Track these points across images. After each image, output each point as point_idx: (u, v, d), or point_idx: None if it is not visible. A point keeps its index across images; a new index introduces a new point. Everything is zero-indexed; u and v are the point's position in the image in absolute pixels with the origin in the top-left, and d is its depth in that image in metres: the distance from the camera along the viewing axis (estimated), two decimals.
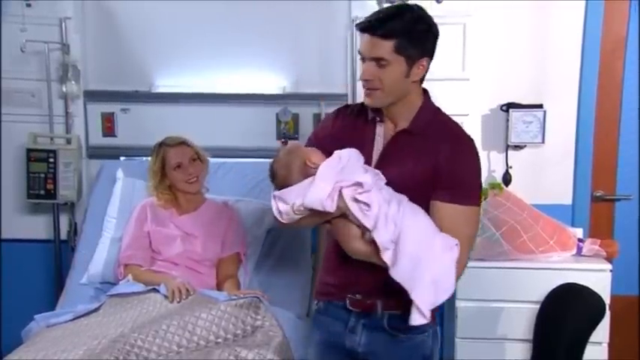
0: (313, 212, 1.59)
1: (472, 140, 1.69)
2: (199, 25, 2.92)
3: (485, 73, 2.75)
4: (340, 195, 1.57)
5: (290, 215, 1.62)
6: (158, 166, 2.52)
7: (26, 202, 2.97)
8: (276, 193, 1.66)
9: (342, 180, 1.57)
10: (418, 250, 1.51)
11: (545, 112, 2.70)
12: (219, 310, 2.09)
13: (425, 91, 1.74)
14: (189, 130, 2.63)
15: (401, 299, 1.54)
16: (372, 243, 1.56)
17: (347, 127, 1.77)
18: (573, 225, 2.74)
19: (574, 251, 2.53)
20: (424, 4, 2.53)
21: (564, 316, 2.18)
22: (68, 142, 2.93)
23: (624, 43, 2.78)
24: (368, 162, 1.67)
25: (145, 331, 1.97)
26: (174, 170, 2.50)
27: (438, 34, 1.67)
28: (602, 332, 2.30)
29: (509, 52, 2.78)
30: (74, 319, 2.19)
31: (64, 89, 2.89)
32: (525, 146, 2.78)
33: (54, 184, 2.89)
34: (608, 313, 2.23)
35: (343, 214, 1.59)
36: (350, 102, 2.89)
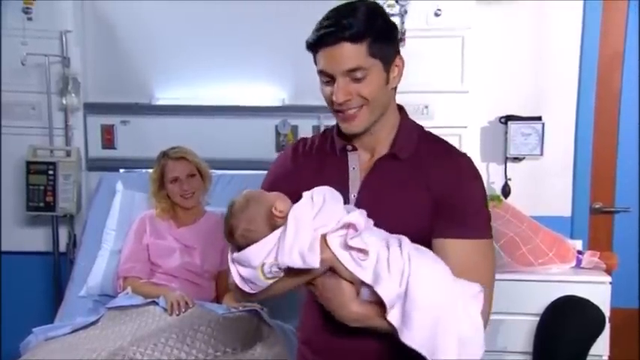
0: (290, 273, 1.23)
1: (469, 158, 1.41)
2: (199, 38, 2.93)
3: (484, 86, 2.76)
4: (324, 244, 1.22)
5: (258, 281, 1.25)
6: (157, 175, 2.54)
7: (25, 215, 2.97)
8: (235, 255, 1.29)
9: (322, 225, 1.24)
10: (435, 303, 1.17)
11: (543, 124, 2.70)
12: (218, 322, 2.09)
13: (400, 107, 1.46)
14: (189, 143, 2.64)
15: None
16: (372, 302, 1.22)
17: (310, 163, 1.45)
18: (572, 237, 2.74)
19: (573, 263, 2.53)
20: (423, 18, 2.61)
21: (564, 328, 2.18)
22: (68, 154, 2.94)
23: (622, 56, 2.79)
24: (346, 202, 1.33)
25: (143, 344, 1.97)
26: (171, 183, 2.51)
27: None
28: (601, 345, 2.29)
29: (507, 64, 2.79)
30: (72, 332, 2.18)
31: (64, 102, 2.90)
32: (524, 158, 2.78)
33: (53, 196, 2.89)
34: (607, 325, 2.22)
35: (329, 270, 1.24)
36: None
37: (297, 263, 1.20)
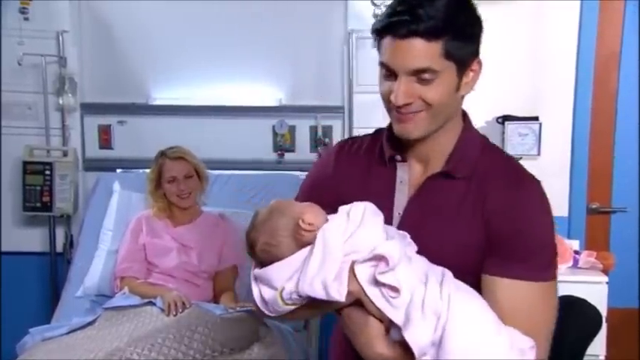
0: (313, 301, 1.08)
1: (539, 184, 1.19)
2: (196, 38, 2.93)
3: (480, 86, 2.75)
4: (352, 274, 1.07)
5: (277, 305, 1.11)
6: (155, 174, 2.54)
7: (22, 215, 2.96)
8: (257, 272, 1.17)
9: (353, 251, 1.08)
10: (475, 357, 1.00)
11: (540, 124, 2.71)
12: (215, 323, 2.08)
13: (464, 114, 1.25)
14: (186, 143, 2.63)
15: None
16: (402, 344, 1.04)
17: (355, 170, 1.27)
18: (569, 237, 2.74)
19: (570, 263, 2.53)
20: None
21: (561, 328, 2.16)
22: (64, 154, 2.93)
23: (618, 56, 2.80)
24: (388, 221, 1.18)
25: (140, 345, 1.96)
26: (168, 183, 2.51)
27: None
28: (598, 345, 2.30)
29: (504, 64, 2.78)
30: (69, 332, 2.17)
31: (60, 102, 2.90)
32: (521, 158, 2.77)
33: (50, 196, 2.88)
34: (604, 325, 2.22)
35: (357, 301, 1.09)
36: (346, 115, 2.91)
37: (319, 294, 1.05)
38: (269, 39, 2.91)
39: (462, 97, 1.19)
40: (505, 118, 2.74)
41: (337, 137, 2.94)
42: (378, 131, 1.31)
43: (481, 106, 2.78)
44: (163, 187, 2.52)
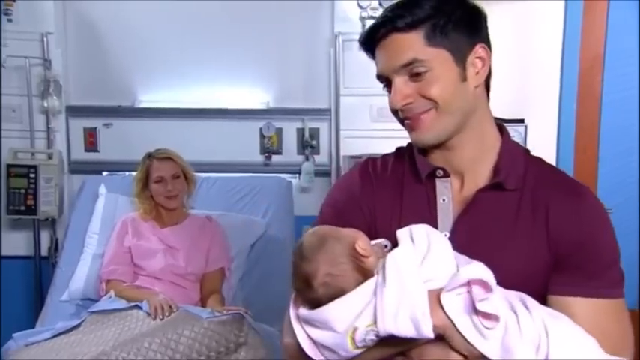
0: (388, 341, 0.93)
1: (594, 195, 1.10)
2: (183, 40, 2.92)
3: None
4: (436, 305, 0.92)
5: (342, 349, 0.94)
6: (142, 175, 2.53)
7: (6, 219, 2.93)
8: (306, 314, 1.00)
9: (429, 278, 0.94)
10: None
11: (526, 126, 2.72)
12: (202, 327, 2.07)
13: (500, 126, 1.18)
14: (173, 145, 2.62)
15: None
16: None
17: (385, 190, 1.15)
18: None
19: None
20: None
21: None
22: (49, 157, 2.90)
23: (602, 59, 2.82)
24: None
25: (126, 349, 1.95)
26: (155, 183, 2.49)
27: (484, 12, 1.12)
28: None
29: None
30: (54, 336, 2.15)
31: (45, 104, 2.87)
32: None
33: (34, 199, 2.86)
34: None
35: (438, 337, 0.93)
36: (333, 117, 2.91)
37: (408, 331, 0.90)
38: (256, 42, 2.91)
39: (477, 88, 1.09)
40: None
41: (324, 139, 2.95)
42: (400, 149, 1.20)
43: None
44: (150, 187, 2.51)
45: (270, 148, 2.95)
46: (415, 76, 1.05)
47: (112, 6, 2.91)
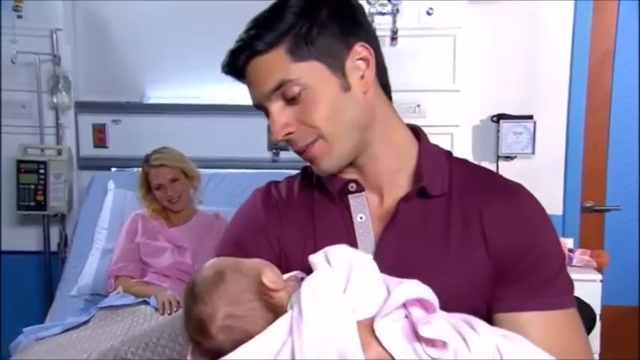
0: None
1: (530, 193, 0.99)
2: (191, 37, 2.92)
3: (475, 85, 2.77)
4: (369, 336, 0.78)
5: None
6: (142, 182, 2.54)
7: (16, 214, 2.95)
8: None
9: (355, 307, 0.80)
10: None
11: (535, 123, 2.71)
12: None
13: (413, 127, 1.03)
14: (181, 141, 2.63)
15: None
16: None
17: (293, 214, 1.01)
18: (564, 235, 2.74)
19: (565, 262, 2.53)
20: (415, 17, 2.61)
21: None
22: (59, 153, 2.92)
23: (612, 55, 2.80)
24: None
25: (135, 344, 1.96)
26: (156, 190, 2.50)
27: (357, 2, 0.97)
28: (593, 342, 2.30)
29: (499, 63, 2.79)
30: (63, 332, 2.17)
31: (54, 100, 2.88)
32: (516, 157, 2.79)
33: (44, 195, 2.87)
34: (598, 323, 2.23)
35: None
36: None
37: None
38: None
39: (366, 93, 0.93)
40: (500, 117, 2.74)
41: None
42: (307, 168, 1.05)
43: (476, 104, 2.81)
44: (153, 192, 2.52)
45: (278, 144, 2.95)
46: (291, 100, 0.90)
47: (121, 2, 2.92)
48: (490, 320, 0.90)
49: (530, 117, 2.73)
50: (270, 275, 0.85)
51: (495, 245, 0.92)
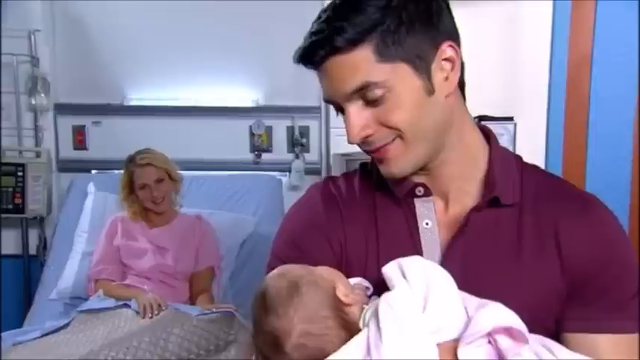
0: None
1: (604, 205, 0.95)
2: (172, 38, 2.91)
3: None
4: None
5: None
6: (126, 181, 2.51)
7: None
8: None
9: (438, 328, 0.76)
10: None
11: (515, 124, 2.74)
12: (191, 325, 2.07)
13: (483, 129, 0.99)
14: (162, 144, 2.61)
15: None
16: None
17: (355, 219, 0.95)
18: None
19: None
20: None
21: None
22: (38, 155, 2.88)
23: (590, 58, 2.84)
24: None
25: (115, 348, 1.94)
26: (140, 190, 2.48)
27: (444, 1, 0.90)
28: None
29: (478, 65, 2.80)
30: (42, 336, 2.14)
31: (33, 102, 2.85)
32: None
33: (22, 198, 2.84)
34: None
35: None
36: (323, 115, 2.91)
37: None
38: (245, 40, 2.90)
39: (448, 97, 0.89)
40: (480, 119, 2.76)
41: (314, 137, 2.95)
42: (365, 165, 1.00)
43: None
44: (136, 193, 2.50)
45: (260, 146, 2.94)
46: (371, 102, 0.84)
47: (101, 3, 2.89)
48: (557, 338, 0.86)
49: (511, 119, 2.76)
50: (344, 289, 0.80)
51: (570, 259, 0.86)
